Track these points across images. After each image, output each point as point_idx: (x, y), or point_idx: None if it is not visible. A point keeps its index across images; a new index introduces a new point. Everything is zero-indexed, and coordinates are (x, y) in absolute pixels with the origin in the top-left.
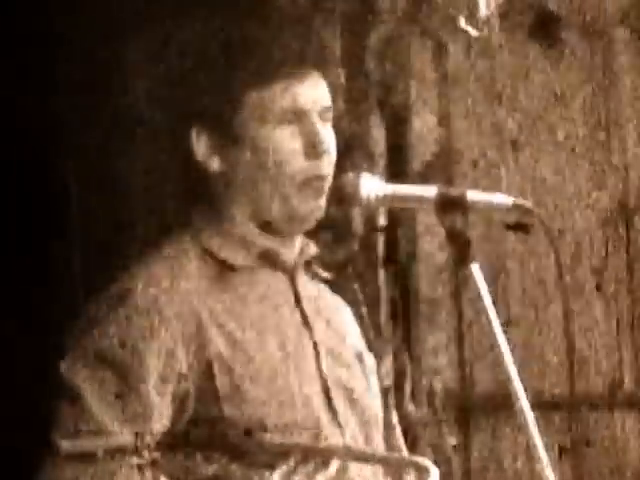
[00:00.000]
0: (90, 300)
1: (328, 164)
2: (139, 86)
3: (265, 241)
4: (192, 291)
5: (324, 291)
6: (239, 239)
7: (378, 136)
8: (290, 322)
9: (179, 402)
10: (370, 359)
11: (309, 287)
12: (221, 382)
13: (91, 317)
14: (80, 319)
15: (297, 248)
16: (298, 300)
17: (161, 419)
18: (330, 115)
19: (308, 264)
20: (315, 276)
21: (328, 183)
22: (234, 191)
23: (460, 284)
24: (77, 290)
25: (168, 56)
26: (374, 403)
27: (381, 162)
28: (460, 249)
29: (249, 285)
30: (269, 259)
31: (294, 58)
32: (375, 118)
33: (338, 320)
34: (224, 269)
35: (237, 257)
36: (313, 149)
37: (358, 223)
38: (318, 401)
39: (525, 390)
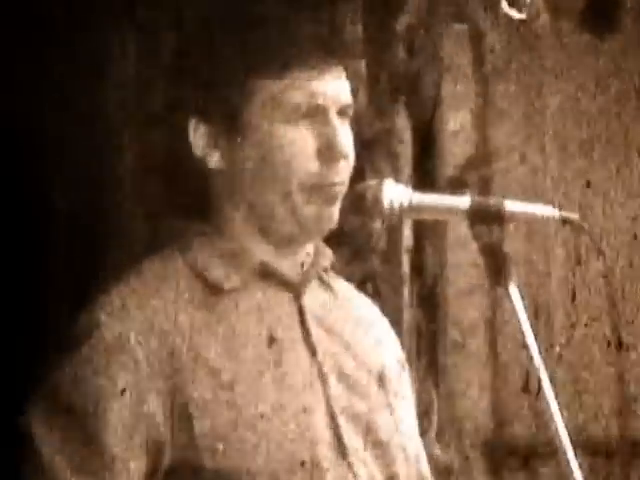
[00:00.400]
0: (58, 334)
1: (344, 169)
2: (130, 68)
3: (263, 253)
4: (169, 320)
5: (345, 303)
6: (232, 253)
7: (404, 136)
8: (291, 350)
9: (153, 452)
10: (402, 382)
11: (322, 303)
12: (200, 428)
13: (54, 356)
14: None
15: (308, 258)
16: (303, 321)
17: (129, 473)
18: (350, 113)
19: (324, 274)
20: (329, 287)
21: (343, 191)
22: (233, 192)
23: (496, 307)
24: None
25: (166, 32)
26: (403, 435)
27: (407, 166)
28: (496, 267)
29: (242, 308)
30: (266, 275)
31: (312, 47)
32: (401, 116)
33: (360, 338)
34: (213, 290)
35: (227, 276)
36: (329, 151)
37: (380, 236)
38: (323, 441)
39: (569, 433)
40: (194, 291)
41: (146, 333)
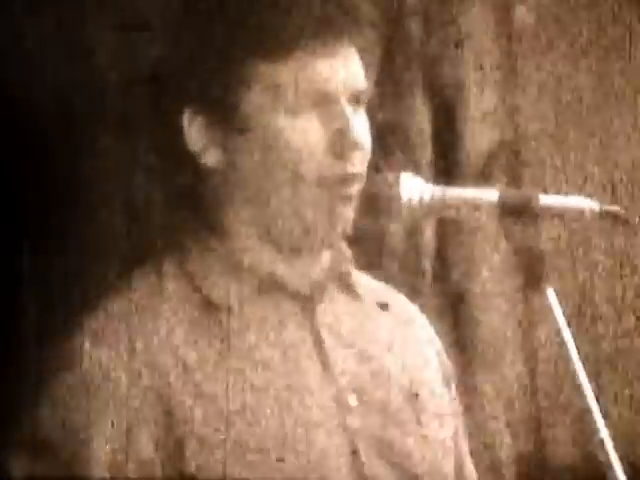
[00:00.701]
0: (35, 360)
1: (360, 161)
2: (114, 51)
3: (269, 262)
4: (162, 344)
5: (373, 311)
6: (234, 263)
7: (422, 122)
8: (303, 371)
9: None
10: (441, 399)
11: (341, 314)
12: (196, 465)
13: (32, 386)
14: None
15: (323, 264)
16: (317, 338)
17: None
18: (364, 99)
19: (346, 278)
20: (354, 293)
21: (359, 186)
22: (234, 193)
23: (532, 316)
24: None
25: (148, 14)
26: (437, 459)
27: (426, 157)
28: (531, 269)
29: (245, 327)
30: (274, 287)
31: (317, 25)
32: (418, 99)
33: (389, 351)
34: (212, 307)
35: (228, 291)
36: (341, 143)
37: (397, 237)
38: (340, 470)
39: (621, 457)
40: (191, 308)
41: (134, 360)
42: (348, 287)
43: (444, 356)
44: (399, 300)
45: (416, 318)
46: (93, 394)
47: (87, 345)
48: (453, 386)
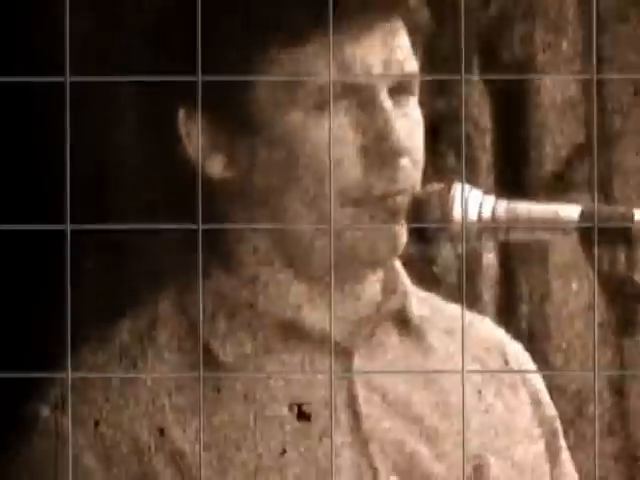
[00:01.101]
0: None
1: (406, 173)
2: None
3: (292, 302)
4: (147, 409)
5: (441, 354)
6: (246, 303)
7: (481, 118)
8: (327, 443)
9: None
10: (530, 471)
11: (388, 362)
12: None
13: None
14: None
15: (369, 298)
16: (352, 400)
17: None
18: (414, 89)
19: (402, 314)
20: (413, 333)
21: (407, 199)
22: (244, 210)
23: (625, 367)
24: None
25: None
26: None
27: (486, 162)
28: (625, 307)
29: (258, 386)
30: (297, 335)
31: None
32: (475, 87)
33: (449, 406)
34: (212, 360)
35: (236, 341)
36: (380, 149)
37: (450, 264)
38: None
39: None
40: (189, 362)
41: (107, 430)
42: (405, 323)
43: (550, 410)
44: (481, 327)
45: (505, 351)
46: (48, 469)
47: (46, 412)
48: (564, 455)
